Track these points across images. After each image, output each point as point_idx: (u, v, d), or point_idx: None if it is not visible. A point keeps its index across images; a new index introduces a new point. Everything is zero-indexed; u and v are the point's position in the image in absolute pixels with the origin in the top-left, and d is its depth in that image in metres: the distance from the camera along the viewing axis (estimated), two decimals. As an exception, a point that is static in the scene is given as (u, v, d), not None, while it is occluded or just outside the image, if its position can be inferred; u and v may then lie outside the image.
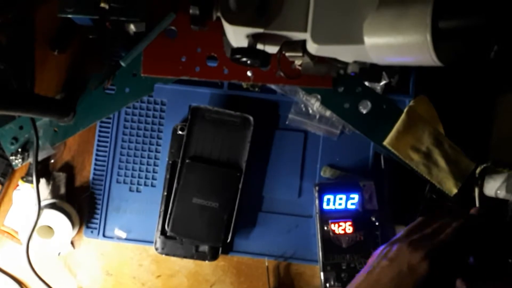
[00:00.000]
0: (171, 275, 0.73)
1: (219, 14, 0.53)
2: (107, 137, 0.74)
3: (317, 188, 0.69)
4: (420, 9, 0.42)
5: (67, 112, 0.70)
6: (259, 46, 0.55)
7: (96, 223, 0.73)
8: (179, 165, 0.69)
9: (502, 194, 0.65)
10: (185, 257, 0.71)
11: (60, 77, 0.75)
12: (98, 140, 0.74)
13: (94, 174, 0.74)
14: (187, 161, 0.69)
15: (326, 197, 0.69)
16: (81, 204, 0.74)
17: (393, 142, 0.67)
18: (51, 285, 0.71)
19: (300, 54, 0.54)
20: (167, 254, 0.71)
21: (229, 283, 0.73)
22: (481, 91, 0.71)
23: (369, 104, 0.69)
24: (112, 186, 0.74)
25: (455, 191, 0.67)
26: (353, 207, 0.68)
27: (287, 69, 0.63)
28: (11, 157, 0.72)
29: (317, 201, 0.69)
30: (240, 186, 0.69)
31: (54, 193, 0.73)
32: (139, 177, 0.74)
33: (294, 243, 0.72)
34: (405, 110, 0.67)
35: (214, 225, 0.67)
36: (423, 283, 0.41)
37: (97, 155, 0.74)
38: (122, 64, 0.69)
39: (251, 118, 0.69)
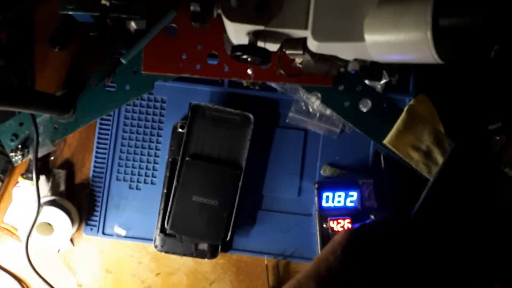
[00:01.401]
0: (170, 273, 0.73)
1: (219, 11, 0.53)
2: (107, 134, 0.74)
3: (316, 185, 0.69)
4: (421, 7, 0.42)
5: (67, 108, 0.70)
6: (260, 44, 0.55)
7: (96, 221, 0.73)
8: (179, 163, 0.69)
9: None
10: (184, 255, 0.71)
11: (60, 74, 0.75)
12: (98, 138, 0.74)
13: (94, 171, 0.74)
14: (187, 159, 0.69)
15: (325, 195, 0.69)
16: (81, 201, 0.74)
17: (393, 141, 0.67)
18: (50, 282, 0.71)
19: (301, 51, 0.54)
20: (166, 252, 0.70)
21: (229, 281, 0.73)
22: (481, 90, 0.71)
23: (369, 102, 0.69)
24: (112, 184, 0.74)
25: (454, 190, 0.67)
26: (352, 204, 0.68)
27: (288, 67, 0.63)
28: (11, 154, 0.72)
29: (316, 199, 0.69)
30: (240, 184, 0.68)
31: (54, 190, 0.73)
32: (139, 174, 0.74)
33: (293, 241, 0.72)
34: (405, 109, 0.67)
35: (214, 223, 0.67)
36: (342, 248, 0.42)
37: (97, 152, 0.74)
38: (123, 61, 0.69)
39: (251, 116, 0.69)
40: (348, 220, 0.68)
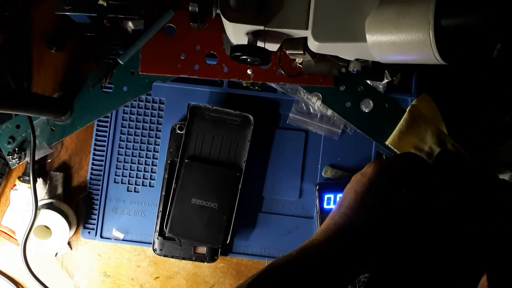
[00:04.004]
0: (169, 276, 0.73)
1: (218, 11, 0.52)
2: (105, 136, 0.73)
3: (317, 187, 0.68)
4: (423, 6, 0.41)
5: (64, 110, 0.69)
6: (259, 44, 0.54)
7: (94, 224, 0.72)
8: (177, 164, 0.68)
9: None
10: (183, 258, 0.70)
11: (57, 76, 0.74)
12: (96, 140, 0.73)
13: (92, 174, 0.73)
14: (186, 160, 0.68)
15: (326, 196, 0.68)
16: (78, 205, 0.73)
17: (395, 142, 0.66)
18: (48, 286, 0.70)
19: (301, 51, 0.53)
20: (165, 256, 0.70)
21: (229, 285, 0.72)
22: (484, 89, 0.70)
23: (371, 103, 0.68)
24: (110, 186, 0.73)
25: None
26: (355, 207, 0.67)
27: (288, 67, 0.63)
28: (8, 157, 0.71)
29: (317, 201, 0.68)
30: (239, 186, 0.68)
31: (51, 193, 0.72)
32: (137, 177, 0.73)
33: (294, 244, 0.69)
34: (408, 109, 0.66)
35: (213, 226, 0.67)
36: (375, 182, 0.42)
37: (94, 154, 0.73)
38: (120, 62, 0.68)
39: (251, 117, 0.68)
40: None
